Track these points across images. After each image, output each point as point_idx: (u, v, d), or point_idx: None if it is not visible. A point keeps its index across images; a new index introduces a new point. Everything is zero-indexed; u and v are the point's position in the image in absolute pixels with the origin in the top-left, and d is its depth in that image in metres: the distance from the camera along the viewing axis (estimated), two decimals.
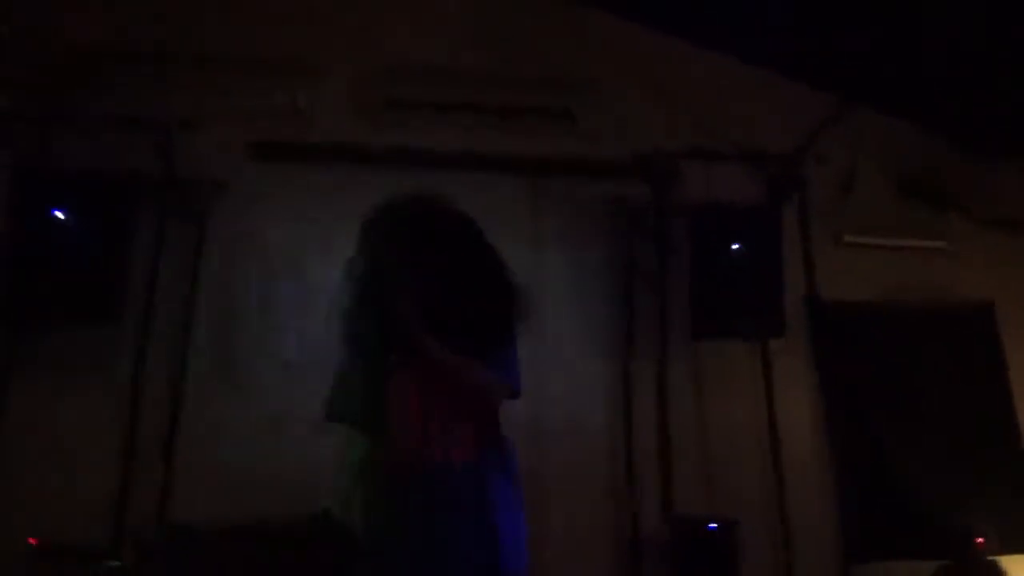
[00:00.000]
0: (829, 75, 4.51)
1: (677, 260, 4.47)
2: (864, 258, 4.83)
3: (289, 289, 4.20)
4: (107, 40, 4.41)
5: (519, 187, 4.56)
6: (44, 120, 4.15)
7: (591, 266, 4.56)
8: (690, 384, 4.44)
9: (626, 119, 4.74)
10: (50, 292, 3.81)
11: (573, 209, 4.60)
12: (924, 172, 4.90)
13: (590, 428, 4.33)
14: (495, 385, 2.29)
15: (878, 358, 4.64)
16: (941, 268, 4.87)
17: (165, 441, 3.96)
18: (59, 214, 3.91)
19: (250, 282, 4.28)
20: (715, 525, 3.94)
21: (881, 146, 4.92)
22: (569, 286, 4.48)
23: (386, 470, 2.20)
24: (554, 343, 4.30)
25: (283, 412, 3.93)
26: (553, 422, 4.18)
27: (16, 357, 3.97)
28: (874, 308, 4.74)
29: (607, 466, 4.29)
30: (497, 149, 4.56)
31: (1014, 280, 4.88)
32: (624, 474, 4.25)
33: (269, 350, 4.15)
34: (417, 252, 2.26)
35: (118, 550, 3.63)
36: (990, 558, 3.99)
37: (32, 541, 3.44)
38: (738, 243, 4.37)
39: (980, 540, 4.02)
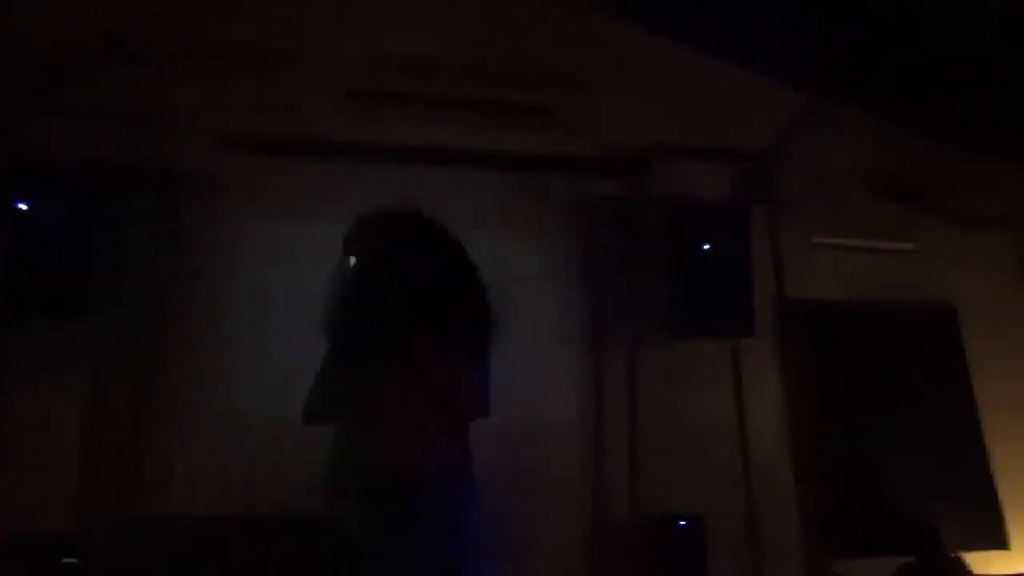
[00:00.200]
0: (803, 74, 4.54)
1: (648, 257, 4.47)
2: (833, 258, 4.88)
3: (268, 285, 4.14)
4: (86, 29, 4.30)
5: (492, 182, 4.54)
6: (17, 111, 4.04)
7: (563, 262, 4.56)
8: (660, 380, 4.44)
9: (600, 115, 4.74)
10: (19, 285, 3.72)
11: (545, 204, 4.59)
12: (894, 172, 4.96)
13: (560, 423, 4.32)
14: (476, 397, 2.35)
15: (846, 357, 4.70)
16: (909, 268, 4.93)
17: (131, 437, 3.87)
18: (27, 206, 3.80)
19: (229, 277, 4.20)
20: (684, 523, 3.97)
21: (851, 146, 4.96)
22: (541, 281, 4.47)
23: (371, 472, 2.21)
24: (525, 338, 4.29)
25: (256, 410, 3.87)
26: (523, 416, 4.17)
27: None
28: (843, 308, 4.80)
29: (576, 461, 4.28)
30: (470, 143, 4.52)
31: (979, 280, 4.97)
32: (593, 468, 4.25)
33: (244, 347, 4.08)
34: (407, 261, 2.30)
35: (79, 546, 3.55)
36: (954, 555, 4.05)
37: None
38: (709, 241, 4.38)
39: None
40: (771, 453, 4.44)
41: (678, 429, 4.37)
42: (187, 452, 3.87)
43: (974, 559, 4.17)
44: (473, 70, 4.67)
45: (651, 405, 4.36)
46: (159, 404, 3.96)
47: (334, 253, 2.51)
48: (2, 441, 3.74)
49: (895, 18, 3.95)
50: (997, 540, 4.49)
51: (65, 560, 3.43)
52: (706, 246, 4.38)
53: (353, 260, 2.39)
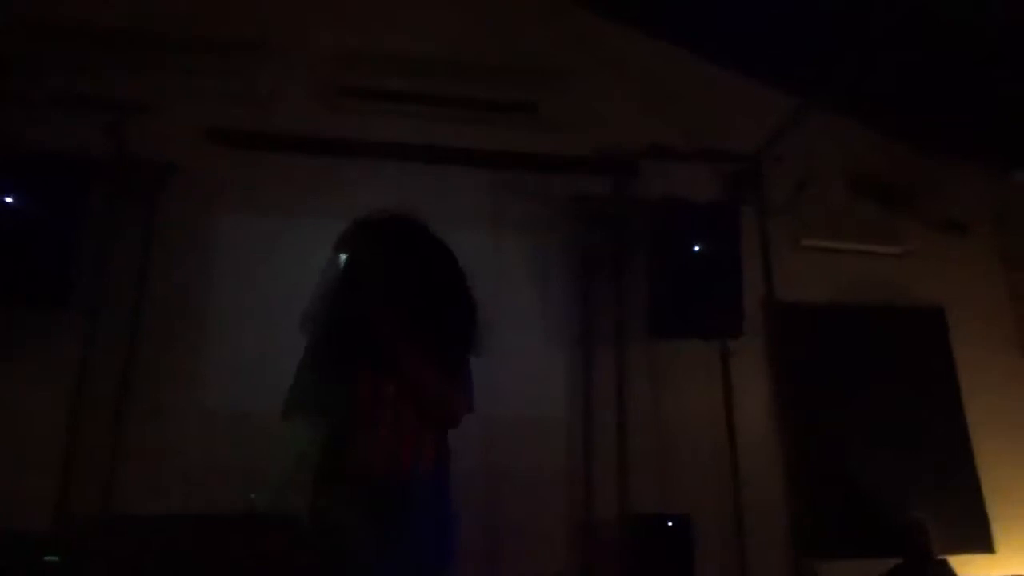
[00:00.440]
0: (792, 78, 4.56)
1: (638, 257, 4.47)
2: (821, 260, 4.89)
3: (240, 278, 4.11)
4: (59, 17, 4.28)
5: (480, 179, 4.54)
6: None
7: (551, 260, 4.56)
8: (648, 379, 4.44)
9: (589, 114, 4.75)
10: None
11: (534, 203, 4.59)
12: (879, 175, 4.99)
13: (548, 422, 4.32)
14: (460, 399, 2.34)
15: (833, 359, 4.71)
16: (895, 271, 4.96)
17: (111, 430, 3.84)
18: (7, 197, 3.77)
19: (201, 269, 4.18)
20: (671, 522, 3.96)
21: (839, 149, 4.99)
22: (528, 279, 4.47)
23: (350, 471, 2.20)
24: (513, 336, 4.28)
25: (239, 407, 3.83)
26: (510, 414, 4.16)
27: None
28: (830, 310, 4.81)
29: (565, 460, 4.27)
30: (459, 141, 4.53)
31: (964, 283, 4.99)
32: (582, 468, 4.24)
33: (219, 339, 4.06)
34: (397, 266, 2.29)
35: (59, 542, 3.52)
36: (940, 558, 4.05)
37: None
38: (698, 242, 4.38)
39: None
40: (759, 454, 4.43)
41: (666, 429, 4.37)
42: (169, 449, 3.84)
43: (960, 562, 4.18)
44: (464, 69, 4.68)
45: (639, 405, 4.36)
46: (141, 401, 3.94)
47: (320, 249, 2.51)
48: None
49: (885, 24, 3.97)
50: (983, 543, 4.49)
51: (46, 558, 3.39)
52: (696, 247, 4.37)
53: (342, 259, 2.39)
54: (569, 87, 4.75)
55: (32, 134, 3.98)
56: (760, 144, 4.51)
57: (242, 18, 4.54)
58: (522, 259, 4.50)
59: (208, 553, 3.17)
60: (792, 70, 4.58)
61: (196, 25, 4.45)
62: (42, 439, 3.78)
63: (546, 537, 4.10)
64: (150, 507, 3.65)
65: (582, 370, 4.40)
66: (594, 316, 4.48)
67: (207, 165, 4.29)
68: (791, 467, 4.43)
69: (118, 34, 4.28)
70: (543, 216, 4.59)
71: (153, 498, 3.67)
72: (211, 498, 3.44)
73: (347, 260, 2.36)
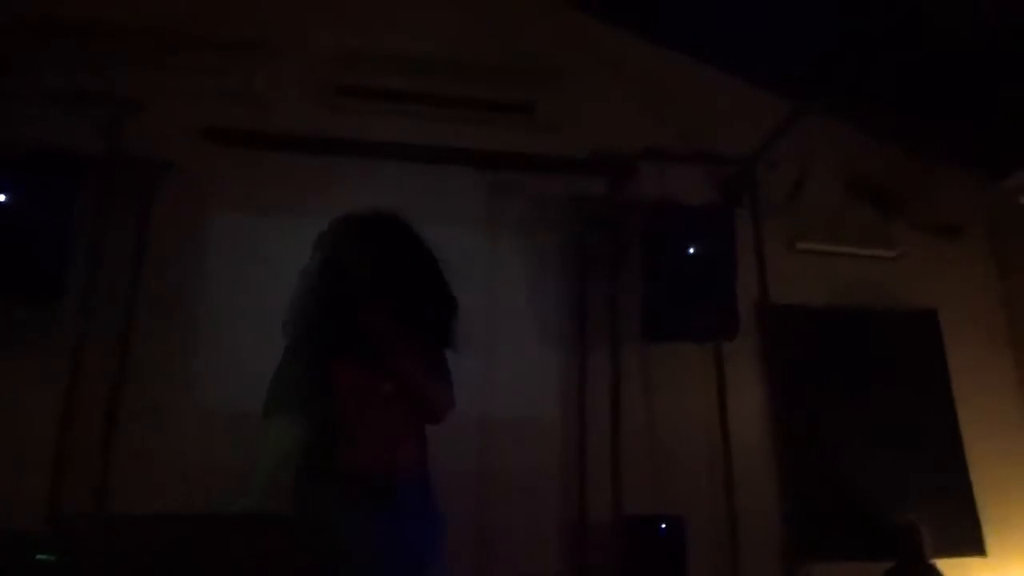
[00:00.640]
0: (787, 81, 4.57)
1: (633, 258, 4.48)
2: (815, 263, 4.91)
3: (237, 277, 4.10)
4: (56, 14, 4.27)
5: (476, 180, 4.54)
6: None
7: (546, 261, 4.56)
8: (642, 381, 4.45)
9: (585, 115, 4.76)
10: None
11: (529, 204, 4.60)
12: (873, 178, 5.01)
13: (542, 423, 4.32)
14: (445, 396, 2.38)
15: (827, 361, 4.72)
16: (889, 274, 4.97)
17: (106, 429, 3.83)
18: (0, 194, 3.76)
19: (197, 268, 4.18)
20: (665, 525, 3.97)
21: (834, 152, 5.01)
22: (523, 281, 4.47)
23: (336, 471, 2.21)
24: (508, 338, 4.30)
25: (228, 403, 3.81)
26: (505, 416, 4.17)
27: None
28: (824, 312, 4.82)
29: (558, 461, 4.27)
30: (457, 141, 4.53)
31: (958, 286, 5.01)
32: (575, 469, 4.24)
33: (214, 338, 4.05)
34: (380, 262, 2.32)
35: (54, 541, 3.51)
36: (930, 562, 4.07)
37: None
38: (692, 245, 4.39)
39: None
40: (753, 456, 4.44)
41: (660, 431, 4.38)
42: (165, 448, 3.83)
43: (952, 565, 4.20)
44: (463, 69, 4.68)
45: (633, 406, 4.36)
46: (136, 400, 3.92)
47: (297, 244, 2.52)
48: None
49: (880, 27, 3.99)
50: (975, 546, 4.50)
51: (40, 557, 3.38)
52: (691, 249, 4.38)
53: (323, 257, 2.39)
54: (567, 88, 4.75)
55: (28, 131, 3.94)
56: (756, 147, 4.52)
57: (241, 17, 4.54)
58: (518, 259, 4.50)
59: (205, 552, 3.17)
60: (788, 74, 4.59)
61: (195, 23, 4.44)
62: (36, 438, 3.76)
63: (539, 538, 4.11)
64: (145, 506, 3.64)
65: (577, 371, 4.40)
66: (589, 317, 4.49)
67: (204, 164, 4.28)
68: (785, 469, 4.44)
69: (116, 31, 4.26)
70: (539, 217, 4.60)
71: (149, 497, 3.65)
72: (208, 498, 3.43)
73: (329, 257, 2.35)
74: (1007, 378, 4.91)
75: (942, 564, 4.14)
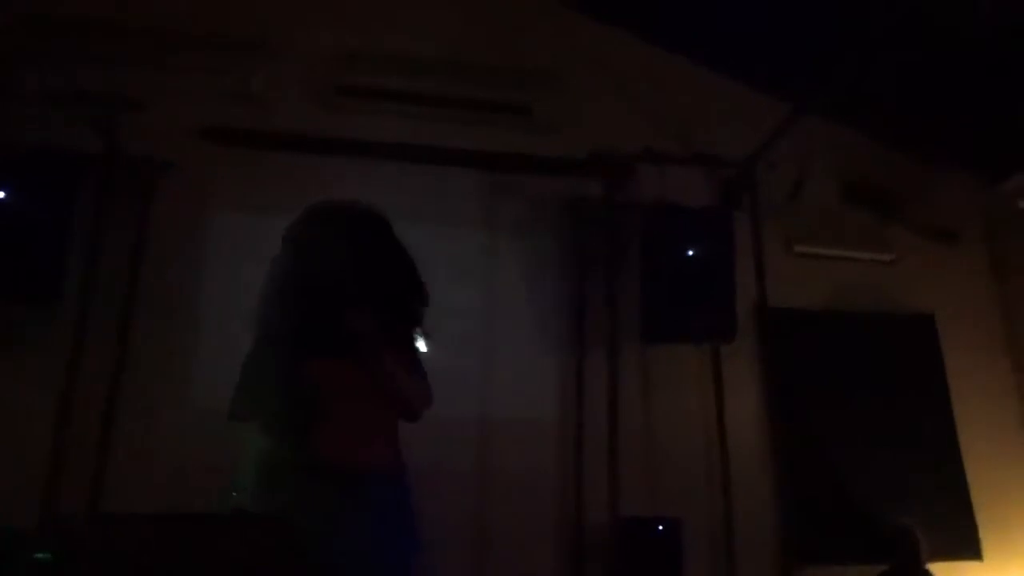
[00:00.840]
0: (786, 83, 4.58)
1: (631, 260, 4.48)
2: (813, 266, 4.91)
3: (234, 277, 4.10)
4: (55, 13, 4.27)
5: (475, 180, 4.54)
6: None
7: (545, 262, 4.56)
8: (640, 383, 4.45)
9: (584, 116, 4.76)
10: None
11: (528, 205, 4.60)
12: (871, 182, 5.01)
13: (540, 423, 4.33)
14: (425, 394, 2.36)
15: (824, 365, 4.72)
16: (886, 278, 4.98)
17: (100, 428, 3.84)
18: None
19: (195, 267, 4.18)
20: (662, 527, 3.98)
21: (831, 155, 5.01)
22: (522, 282, 4.48)
23: (307, 470, 2.18)
24: (506, 338, 4.31)
25: (224, 402, 3.80)
26: (503, 417, 4.17)
27: None
28: (822, 315, 4.83)
29: (555, 463, 4.28)
30: (456, 141, 4.53)
31: (955, 290, 5.02)
32: (572, 471, 4.24)
33: (212, 338, 4.03)
34: (350, 255, 2.29)
35: (50, 539, 3.50)
36: (926, 566, 4.07)
37: None
38: (691, 246, 4.39)
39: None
40: (750, 458, 4.45)
41: (658, 432, 4.39)
42: (161, 448, 3.83)
43: (948, 568, 4.21)
44: (462, 69, 4.68)
45: (631, 408, 4.36)
46: (133, 399, 3.93)
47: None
48: None
49: (879, 29, 3.99)
50: (971, 550, 4.50)
51: (37, 556, 3.38)
52: (689, 251, 4.39)
53: (291, 249, 2.38)
54: (566, 89, 4.76)
55: (27, 130, 3.94)
56: (755, 148, 4.52)
57: (241, 17, 4.54)
58: (516, 260, 4.50)
59: (202, 552, 3.16)
60: (787, 75, 4.59)
61: (195, 23, 4.44)
62: (34, 437, 3.76)
63: (536, 539, 4.11)
64: (142, 505, 3.63)
65: (575, 372, 4.41)
66: (587, 318, 4.49)
67: (204, 164, 4.28)
68: (781, 472, 4.44)
69: (116, 31, 4.27)
70: (538, 218, 4.60)
71: (145, 496, 3.65)
72: (204, 497, 3.43)
73: (300, 249, 2.34)
74: (1004, 382, 4.91)
75: (938, 568, 4.14)
